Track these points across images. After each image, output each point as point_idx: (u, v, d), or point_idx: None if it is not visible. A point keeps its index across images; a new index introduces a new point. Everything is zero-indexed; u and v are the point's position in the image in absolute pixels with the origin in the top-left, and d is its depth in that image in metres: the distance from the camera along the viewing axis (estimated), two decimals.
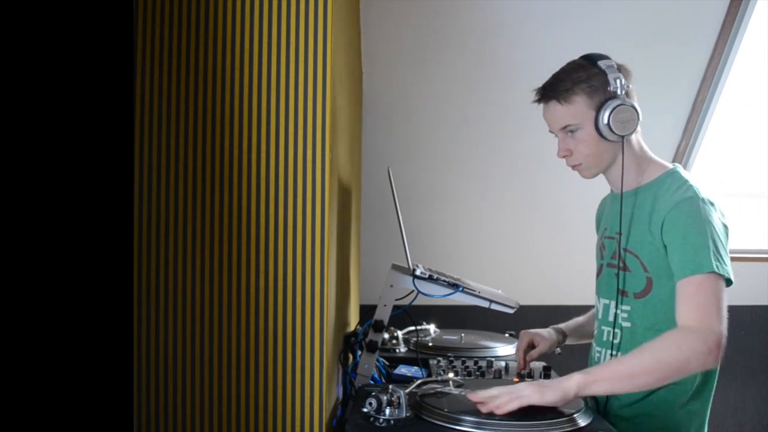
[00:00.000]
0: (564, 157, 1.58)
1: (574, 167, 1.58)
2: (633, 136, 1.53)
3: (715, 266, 1.35)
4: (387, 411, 1.26)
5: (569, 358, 3.47)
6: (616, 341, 1.54)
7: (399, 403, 1.26)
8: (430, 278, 1.66)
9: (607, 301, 1.59)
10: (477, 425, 1.22)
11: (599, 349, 1.60)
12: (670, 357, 1.31)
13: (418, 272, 1.64)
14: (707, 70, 2.84)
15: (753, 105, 3.09)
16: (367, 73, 2.79)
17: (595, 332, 1.63)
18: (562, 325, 1.83)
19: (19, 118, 0.98)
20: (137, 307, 1.27)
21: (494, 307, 1.73)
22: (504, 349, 1.97)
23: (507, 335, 2.17)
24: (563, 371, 1.44)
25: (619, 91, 1.47)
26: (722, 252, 1.39)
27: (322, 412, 1.28)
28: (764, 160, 3.19)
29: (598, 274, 1.67)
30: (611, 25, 2.64)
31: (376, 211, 2.89)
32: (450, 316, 2.49)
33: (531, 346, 1.75)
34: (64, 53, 1.02)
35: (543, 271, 3.29)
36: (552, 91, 1.53)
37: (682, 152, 3.12)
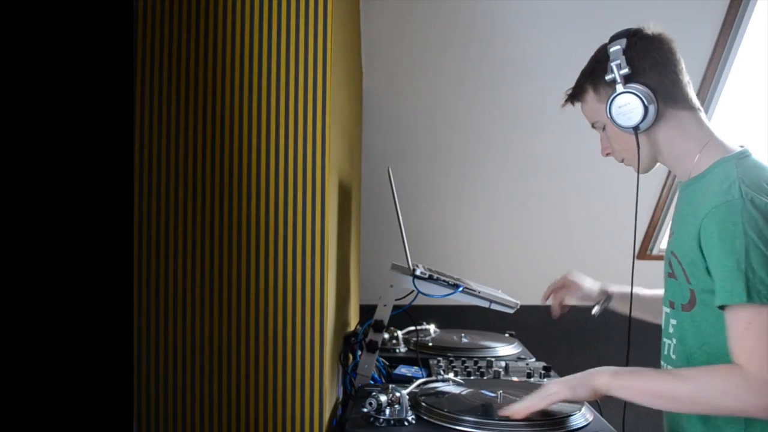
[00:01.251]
0: (606, 155, 1.44)
1: (624, 163, 1.42)
2: (673, 115, 1.32)
3: (748, 297, 1.13)
4: (387, 411, 1.26)
5: (569, 358, 3.47)
6: (670, 354, 1.36)
7: (399, 403, 1.26)
8: (430, 278, 1.66)
9: (666, 310, 1.39)
10: (477, 425, 1.22)
11: (663, 364, 1.40)
12: (710, 399, 1.16)
13: (418, 272, 1.64)
14: (707, 70, 2.84)
15: (753, 105, 3.09)
16: (367, 73, 2.79)
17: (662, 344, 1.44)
18: (615, 288, 1.65)
19: (19, 118, 0.98)
20: (137, 307, 1.27)
21: (494, 307, 1.73)
22: (504, 349, 1.97)
23: (507, 335, 2.17)
24: (563, 371, 1.44)
25: (617, 79, 1.30)
26: (763, 273, 1.14)
27: (322, 412, 1.28)
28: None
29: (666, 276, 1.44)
30: (612, 25, 2.64)
31: (376, 211, 2.89)
32: (450, 316, 2.49)
33: (566, 290, 1.66)
34: (64, 53, 1.02)
35: (543, 271, 3.28)
36: (572, 90, 1.44)
37: None
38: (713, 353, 1.24)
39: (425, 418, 1.27)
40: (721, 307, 1.18)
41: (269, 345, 1.28)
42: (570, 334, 3.48)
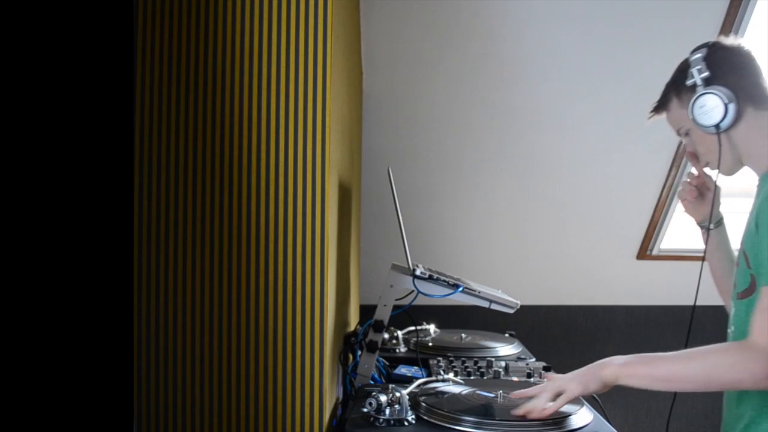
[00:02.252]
0: (693, 161, 1.50)
1: (710, 169, 1.47)
2: (754, 115, 1.36)
3: None
4: (387, 411, 1.26)
5: (569, 358, 3.47)
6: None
7: (399, 403, 1.26)
8: (430, 278, 1.66)
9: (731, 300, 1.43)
10: (477, 425, 1.22)
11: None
12: (719, 373, 1.21)
13: (418, 272, 1.64)
14: None
15: None
16: (367, 73, 2.79)
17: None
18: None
19: (19, 118, 0.98)
20: (137, 307, 1.27)
21: (494, 307, 1.73)
22: (504, 349, 1.97)
23: (507, 335, 2.17)
24: (563, 371, 1.44)
25: (698, 81, 1.36)
26: None
27: (322, 412, 1.28)
28: None
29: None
30: (612, 25, 2.64)
31: (376, 212, 2.89)
32: (450, 316, 2.49)
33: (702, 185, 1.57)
34: (64, 53, 1.02)
35: (543, 271, 3.30)
36: (657, 103, 1.50)
37: (682, 152, 3.12)
38: None
39: (425, 418, 1.27)
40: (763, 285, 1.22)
41: (269, 345, 1.28)
42: (570, 334, 3.48)
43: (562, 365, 1.71)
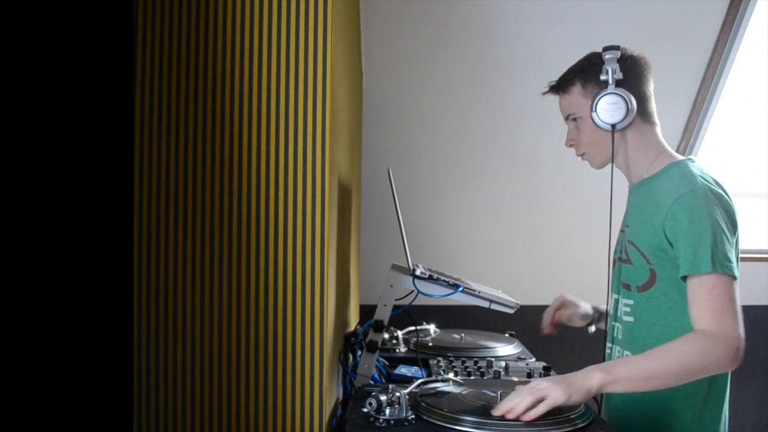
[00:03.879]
0: (570, 146, 1.61)
1: (582, 157, 1.60)
2: (639, 125, 1.52)
3: (713, 267, 1.34)
4: (387, 411, 1.25)
5: (569, 357, 3.47)
6: (618, 336, 1.54)
7: (399, 403, 1.26)
8: (430, 278, 1.66)
9: (616, 296, 1.58)
10: (477, 425, 1.22)
11: (609, 345, 1.60)
12: (691, 362, 1.31)
13: (418, 272, 1.64)
14: (707, 70, 2.84)
15: (753, 105, 3.09)
16: (367, 73, 2.79)
17: (607, 329, 1.63)
18: (603, 305, 1.77)
19: (20, 118, 0.98)
20: (137, 307, 1.27)
21: (494, 307, 1.73)
22: (504, 349, 1.97)
23: (507, 335, 2.18)
24: (563, 371, 1.44)
25: (609, 80, 1.47)
26: (726, 248, 1.36)
27: (322, 412, 1.28)
28: (764, 160, 3.19)
29: (611, 269, 1.63)
30: (612, 25, 2.64)
31: (376, 212, 2.89)
32: (450, 316, 2.49)
33: (564, 309, 1.78)
34: (64, 53, 1.02)
35: (543, 271, 3.29)
36: (557, 81, 1.59)
37: (682, 152, 3.12)
38: (667, 328, 1.42)
39: (425, 418, 1.27)
40: (684, 279, 1.38)
41: (269, 345, 1.28)
42: (570, 334, 3.47)
43: (562, 365, 1.71)
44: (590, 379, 1.29)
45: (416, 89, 2.86)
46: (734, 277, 1.36)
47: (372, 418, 1.25)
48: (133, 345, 1.26)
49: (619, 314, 1.55)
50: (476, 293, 1.70)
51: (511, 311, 1.75)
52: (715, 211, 1.38)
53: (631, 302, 1.51)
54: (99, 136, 1.06)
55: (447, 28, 2.67)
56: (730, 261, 1.36)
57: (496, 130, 2.96)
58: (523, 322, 2.27)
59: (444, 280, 1.67)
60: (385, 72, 2.80)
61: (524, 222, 3.21)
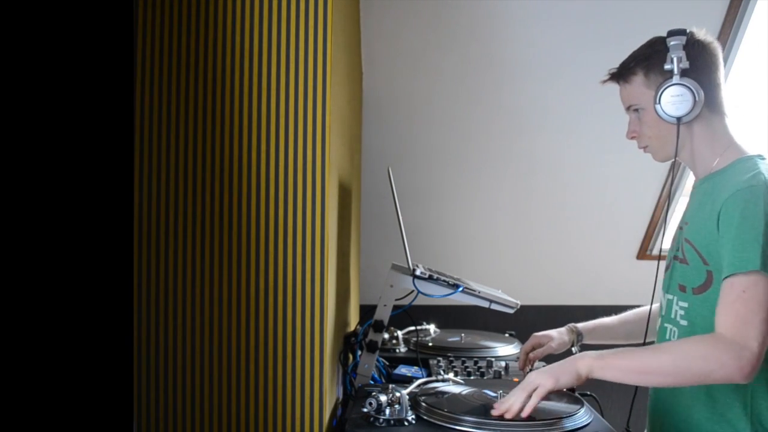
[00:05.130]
0: (632, 138, 1.50)
1: (644, 150, 1.50)
2: (707, 117, 1.41)
3: (762, 265, 1.21)
4: (387, 411, 1.26)
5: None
6: (671, 339, 1.43)
7: (399, 403, 1.26)
8: (430, 278, 1.66)
9: (670, 297, 1.46)
10: (477, 425, 1.22)
11: None
12: (691, 365, 1.22)
13: (418, 272, 1.64)
14: None
15: (753, 105, 3.09)
16: (367, 73, 2.79)
17: (658, 329, 1.52)
18: (580, 325, 1.76)
19: (20, 118, 0.98)
20: (137, 307, 1.27)
21: (494, 307, 1.72)
22: (504, 349, 1.97)
23: (507, 335, 2.17)
24: None
25: (675, 70, 1.37)
26: None
27: (322, 412, 1.28)
28: None
29: (667, 268, 1.52)
30: (611, 25, 2.64)
31: (376, 211, 2.89)
32: (450, 316, 2.49)
33: (538, 347, 1.72)
34: (64, 53, 1.02)
35: (543, 271, 3.29)
36: (617, 69, 1.49)
37: None
38: None
39: (425, 418, 1.27)
40: (725, 277, 1.25)
41: (269, 345, 1.28)
42: None
43: None
44: (579, 361, 1.27)
45: (416, 89, 2.86)
46: None
47: (372, 418, 1.25)
48: (133, 345, 1.26)
49: (673, 316, 1.44)
50: (476, 293, 1.70)
51: (511, 311, 1.75)
52: None
53: (686, 305, 1.40)
54: (99, 136, 1.06)
55: (447, 29, 2.67)
56: None
57: (496, 129, 2.96)
58: (523, 322, 2.27)
59: (444, 280, 1.67)
60: (385, 72, 2.80)
61: (524, 222, 3.21)
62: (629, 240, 3.24)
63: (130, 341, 1.23)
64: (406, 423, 1.25)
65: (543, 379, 1.26)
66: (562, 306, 3.45)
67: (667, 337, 1.44)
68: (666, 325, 1.46)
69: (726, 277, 1.25)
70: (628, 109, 1.49)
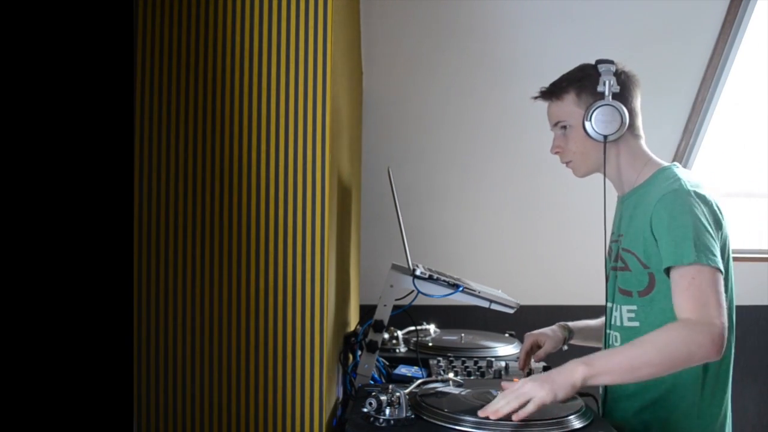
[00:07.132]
0: (556, 153, 1.64)
1: (566, 165, 1.63)
2: (629, 138, 1.56)
3: (695, 257, 1.35)
4: (387, 411, 1.26)
5: (568, 357, 3.46)
6: (615, 344, 1.55)
7: (399, 403, 1.26)
8: (430, 278, 1.66)
9: (610, 305, 1.59)
10: (477, 425, 1.22)
11: None
12: (674, 350, 1.30)
13: (418, 272, 1.64)
14: (707, 70, 2.84)
15: (753, 105, 3.09)
16: (367, 73, 2.79)
17: (604, 337, 1.64)
18: (570, 323, 1.84)
19: (19, 118, 0.98)
20: (137, 307, 1.27)
21: (494, 307, 1.73)
22: (504, 349, 1.97)
23: (507, 335, 2.18)
24: None
25: (606, 92, 1.51)
26: (708, 242, 1.37)
27: (322, 412, 1.28)
28: (764, 160, 3.19)
29: (606, 280, 1.65)
30: (611, 25, 2.65)
31: (376, 212, 2.89)
32: (450, 316, 2.49)
33: (537, 347, 1.76)
34: (64, 53, 1.02)
35: (543, 271, 3.30)
36: (549, 88, 1.61)
37: (682, 152, 3.12)
38: None
39: (425, 418, 1.27)
40: (667, 272, 1.40)
41: (269, 345, 1.28)
42: None
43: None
44: (573, 374, 1.29)
45: (416, 89, 2.86)
46: (718, 270, 1.36)
47: (372, 418, 1.25)
48: (133, 345, 1.26)
49: (614, 322, 1.56)
50: (476, 293, 1.70)
51: (511, 311, 1.75)
52: (697, 209, 1.41)
53: (634, 307, 1.52)
54: (99, 136, 1.06)
55: (447, 28, 2.67)
56: (713, 253, 1.37)
57: (496, 130, 2.96)
58: (523, 322, 2.27)
59: (444, 280, 1.67)
60: (385, 72, 2.80)
61: (524, 222, 3.21)
62: None
63: (130, 341, 1.23)
64: (406, 423, 1.25)
65: (542, 392, 1.26)
66: (562, 306, 3.44)
67: (610, 343, 1.58)
68: (608, 331, 1.59)
69: (670, 271, 1.39)
70: (555, 125, 1.61)
